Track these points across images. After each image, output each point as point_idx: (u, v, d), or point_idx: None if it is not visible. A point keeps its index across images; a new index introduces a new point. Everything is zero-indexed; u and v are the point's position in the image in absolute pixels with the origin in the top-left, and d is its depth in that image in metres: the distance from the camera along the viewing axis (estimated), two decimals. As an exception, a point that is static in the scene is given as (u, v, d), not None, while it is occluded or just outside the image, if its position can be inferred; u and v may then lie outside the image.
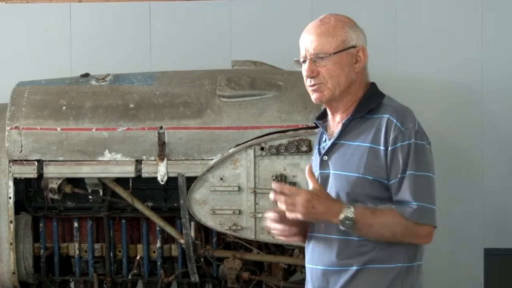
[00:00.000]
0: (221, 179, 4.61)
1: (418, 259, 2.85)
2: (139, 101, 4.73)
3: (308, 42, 2.86)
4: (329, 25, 2.84)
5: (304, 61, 2.87)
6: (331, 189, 2.83)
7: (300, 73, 5.00)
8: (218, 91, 4.67)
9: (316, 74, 2.84)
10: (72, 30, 5.88)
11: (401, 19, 5.61)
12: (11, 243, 4.77)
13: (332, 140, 2.88)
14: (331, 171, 2.85)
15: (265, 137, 4.57)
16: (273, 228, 2.88)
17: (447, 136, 5.47)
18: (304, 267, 4.61)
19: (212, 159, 4.60)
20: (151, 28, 5.84)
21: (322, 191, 2.78)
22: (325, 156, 2.88)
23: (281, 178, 4.50)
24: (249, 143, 4.57)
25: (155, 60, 5.76)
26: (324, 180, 2.85)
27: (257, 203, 4.59)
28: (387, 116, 2.79)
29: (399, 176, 2.75)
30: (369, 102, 2.85)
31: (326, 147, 2.89)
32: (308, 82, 2.88)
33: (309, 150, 4.46)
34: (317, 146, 2.98)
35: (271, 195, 2.79)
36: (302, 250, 4.61)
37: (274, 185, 2.82)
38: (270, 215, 2.86)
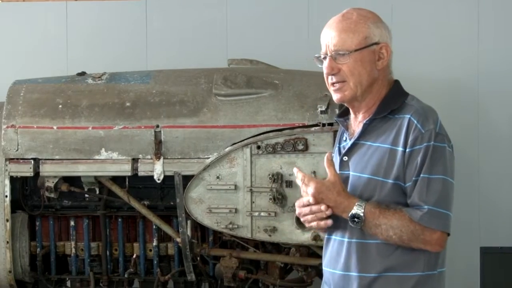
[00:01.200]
0: (218, 177, 4.60)
1: (440, 266, 2.76)
2: (136, 100, 4.73)
3: (328, 38, 2.75)
4: (351, 21, 2.75)
5: (325, 58, 2.76)
6: (350, 191, 2.73)
7: (296, 71, 4.99)
8: (215, 90, 4.67)
9: (337, 72, 2.74)
10: (69, 28, 5.87)
11: (397, 17, 5.60)
12: (7, 242, 4.77)
13: (352, 140, 2.79)
14: (351, 173, 2.77)
15: (262, 136, 4.56)
16: (309, 212, 2.73)
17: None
18: (300, 265, 4.66)
19: (209, 158, 4.60)
20: (147, 26, 5.83)
21: (335, 184, 2.70)
22: (345, 157, 2.79)
23: (278, 177, 4.50)
24: (245, 141, 4.56)
25: (152, 58, 5.75)
26: (343, 181, 2.74)
27: (253, 202, 4.58)
28: (409, 116, 2.71)
29: (413, 179, 2.67)
30: (391, 102, 2.77)
31: (347, 147, 2.80)
32: (329, 80, 2.78)
33: (306, 148, 4.44)
34: (337, 145, 2.89)
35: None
36: (298, 248, 4.64)
37: (295, 169, 2.77)
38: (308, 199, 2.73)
